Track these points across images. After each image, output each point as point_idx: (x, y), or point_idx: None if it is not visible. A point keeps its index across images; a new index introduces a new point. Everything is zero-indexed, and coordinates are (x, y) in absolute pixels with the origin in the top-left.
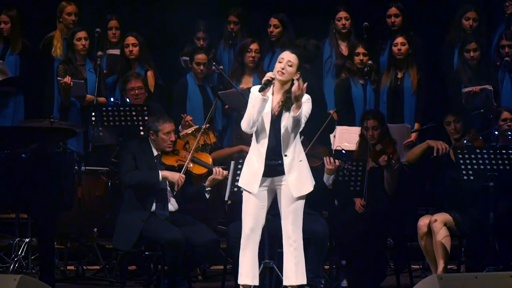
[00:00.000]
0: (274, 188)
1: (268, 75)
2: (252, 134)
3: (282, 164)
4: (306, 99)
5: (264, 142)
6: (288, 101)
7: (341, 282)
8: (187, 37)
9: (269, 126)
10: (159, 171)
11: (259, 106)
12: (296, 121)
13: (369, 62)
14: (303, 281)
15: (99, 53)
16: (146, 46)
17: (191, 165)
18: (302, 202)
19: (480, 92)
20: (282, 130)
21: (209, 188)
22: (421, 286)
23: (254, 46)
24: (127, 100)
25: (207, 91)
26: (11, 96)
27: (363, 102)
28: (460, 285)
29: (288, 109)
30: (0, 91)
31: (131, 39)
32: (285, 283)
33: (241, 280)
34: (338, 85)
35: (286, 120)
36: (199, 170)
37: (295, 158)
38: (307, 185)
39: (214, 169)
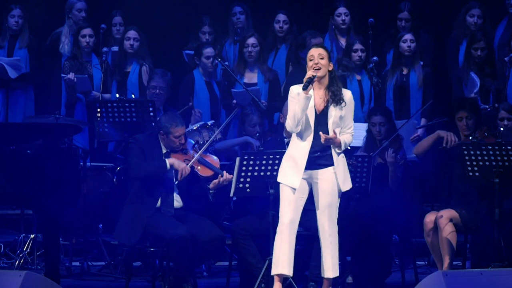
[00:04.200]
0: (311, 181)
1: (309, 74)
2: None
3: (325, 157)
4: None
5: (309, 139)
6: (331, 96)
7: (347, 278)
8: (192, 33)
9: (314, 123)
10: (166, 159)
11: (303, 104)
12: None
13: (374, 58)
14: (337, 273)
15: (105, 49)
16: (145, 43)
17: (199, 167)
18: (339, 198)
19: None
20: (330, 126)
21: (212, 191)
22: (426, 282)
23: (251, 41)
24: (132, 96)
25: (214, 87)
26: (23, 93)
27: (359, 98)
28: (466, 281)
29: (333, 103)
30: (14, 87)
31: (132, 33)
32: (324, 275)
33: (278, 270)
34: None
35: (333, 115)
36: (205, 172)
37: (341, 153)
38: (349, 181)
39: (222, 174)
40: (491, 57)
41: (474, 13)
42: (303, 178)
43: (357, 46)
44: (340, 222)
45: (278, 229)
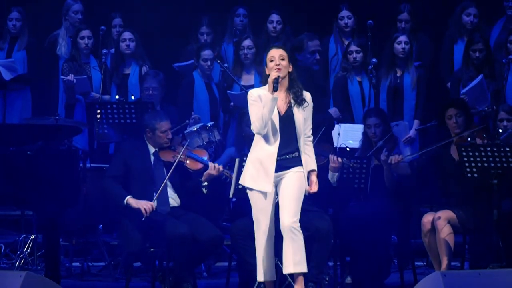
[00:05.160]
0: (277, 181)
1: (274, 74)
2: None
3: (292, 159)
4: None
5: (276, 143)
6: (293, 97)
7: (346, 279)
8: (191, 34)
9: (279, 125)
10: (127, 197)
11: (270, 105)
12: None
13: (373, 60)
14: (303, 269)
15: (104, 51)
16: (141, 43)
17: (188, 161)
18: (302, 192)
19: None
20: (297, 127)
21: (205, 183)
22: (425, 283)
23: (246, 43)
24: (132, 97)
25: (213, 88)
26: (19, 94)
27: (360, 99)
28: (464, 282)
29: (296, 104)
30: (10, 88)
31: (127, 34)
32: (284, 271)
33: (260, 278)
34: (335, 83)
35: (299, 118)
36: (194, 165)
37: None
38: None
39: (209, 165)
40: (489, 58)
41: (471, 12)
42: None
43: (353, 47)
44: (339, 222)
45: (255, 236)
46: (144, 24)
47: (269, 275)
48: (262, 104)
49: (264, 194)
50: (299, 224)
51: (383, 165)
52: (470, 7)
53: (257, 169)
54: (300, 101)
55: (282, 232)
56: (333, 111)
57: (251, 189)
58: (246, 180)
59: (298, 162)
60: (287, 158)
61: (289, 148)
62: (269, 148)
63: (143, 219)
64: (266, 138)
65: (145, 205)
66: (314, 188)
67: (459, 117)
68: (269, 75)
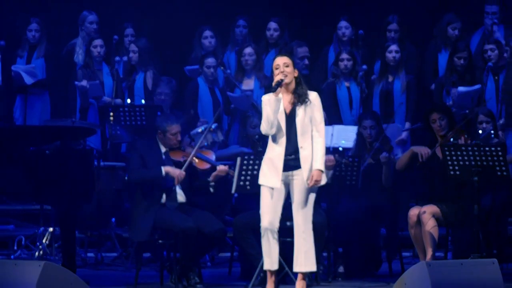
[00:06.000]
0: (288, 181)
1: (278, 77)
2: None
3: (298, 158)
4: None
5: (282, 141)
6: (296, 97)
7: (338, 268)
8: (195, 42)
9: (285, 125)
10: (162, 167)
11: (274, 106)
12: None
13: (363, 67)
14: (313, 268)
15: (117, 58)
16: (146, 52)
17: (196, 160)
18: (314, 194)
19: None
20: (298, 125)
21: (213, 183)
22: (412, 272)
23: (247, 51)
24: (142, 101)
25: (216, 93)
26: (39, 97)
27: (348, 103)
28: (447, 271)
29: (299, 103)
30: (31, 92)
31: (132, 47)
32: (295, 269)
33: (266, 267)
34: (324, 89)
35: (301, 115)
36: (202, 165)
37: (311, 150)
38: (324, 177)
39: (217, 167)
40: (470, 65)
41: (456, 27)
42: (280, 180)
43: (344, 55)
44: (333, 216)
45: (261, 230)
46: (154, 33)
47: (271, 266)
48: (269, 105)
49: (274, 190)
50: (311, 226)
51: (384, 166)
52: (456, 22)
53: (269, 167)
54: (302, 100)
55: (295, 232)
56: None
57: (262, 185)
58: (260, 178)
59: (304, 159)
60: (293, 158)
61: (295, 147)
62: (277, 147)
63: (173, 187)
64: (274, 138)
65: (179, 174)
66: (310, 184)
67: (442, 120)
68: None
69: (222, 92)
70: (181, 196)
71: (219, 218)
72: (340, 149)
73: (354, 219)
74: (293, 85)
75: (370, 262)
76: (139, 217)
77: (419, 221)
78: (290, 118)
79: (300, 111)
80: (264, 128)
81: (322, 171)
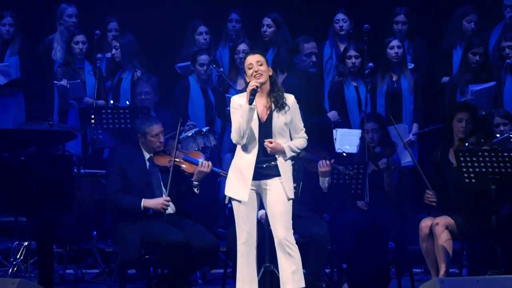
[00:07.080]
0: (260, 191)
1: (252, 84)
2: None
3: (272, 167)
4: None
5: (255, 150)
6: (273, 101)
7: (343, 286)
8: (187, 38)
9: (258, 133)
10: (142, 201)
11: (247, 116)
12: (291, 158)
13: (370, 64)
14: (302, 284)
15: (99, 55)
16: (132, 49)
17: (183, 165)
18: (291, 204)
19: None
20: (275, 133)
21: (196, 183)
22: None
23: (241, 47)
24: (127, 102)
25: (209, 93)
26: (13, 98)
27: (356, 104)
28: None
29: (276, 109)
30: (4, 93)
31: (114, 43)
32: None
33: (239, 286)
34: (331, 88)
35: (277, 123)
36: (191, 168)
37: (287, 160)
38: (292, 190)
39: (200, 162)
40: (487, 62)
41: (472, 19)
42: (251, 189)
43: (351, 52)
44: (336, 229)
45: (237, 245)
46: (141, 27)
47: (248, 284)
48: (241, 114)
49: (244, 202)
50: (293, 237)
51: (384, 172)
52: (471, 14)
53: (237, 177)
54: (280, 105)
55: (277, 246)
56: (331, 114)
57: (232, 198)
58: (227, 189)
59: (276, 171)
60: (267, 167)
61: (268, 156)
62: (248, 156)
63: (165, 216)
64: (245, 146)
65: (160, 204)
66: (266, 142)
67: (469, 123)
68: (249, 83)
69: (214, 92)
70: (170, 208)
71: (211, 231)
72: (344, 154)
73: (359, 231)
74: (268, 86)
75: (378, 279)
76: (126, 231)
77: (431, 234)
78: (265, 125)
79: (277, 118)
80: (235, 138)
81: (284, 151)
